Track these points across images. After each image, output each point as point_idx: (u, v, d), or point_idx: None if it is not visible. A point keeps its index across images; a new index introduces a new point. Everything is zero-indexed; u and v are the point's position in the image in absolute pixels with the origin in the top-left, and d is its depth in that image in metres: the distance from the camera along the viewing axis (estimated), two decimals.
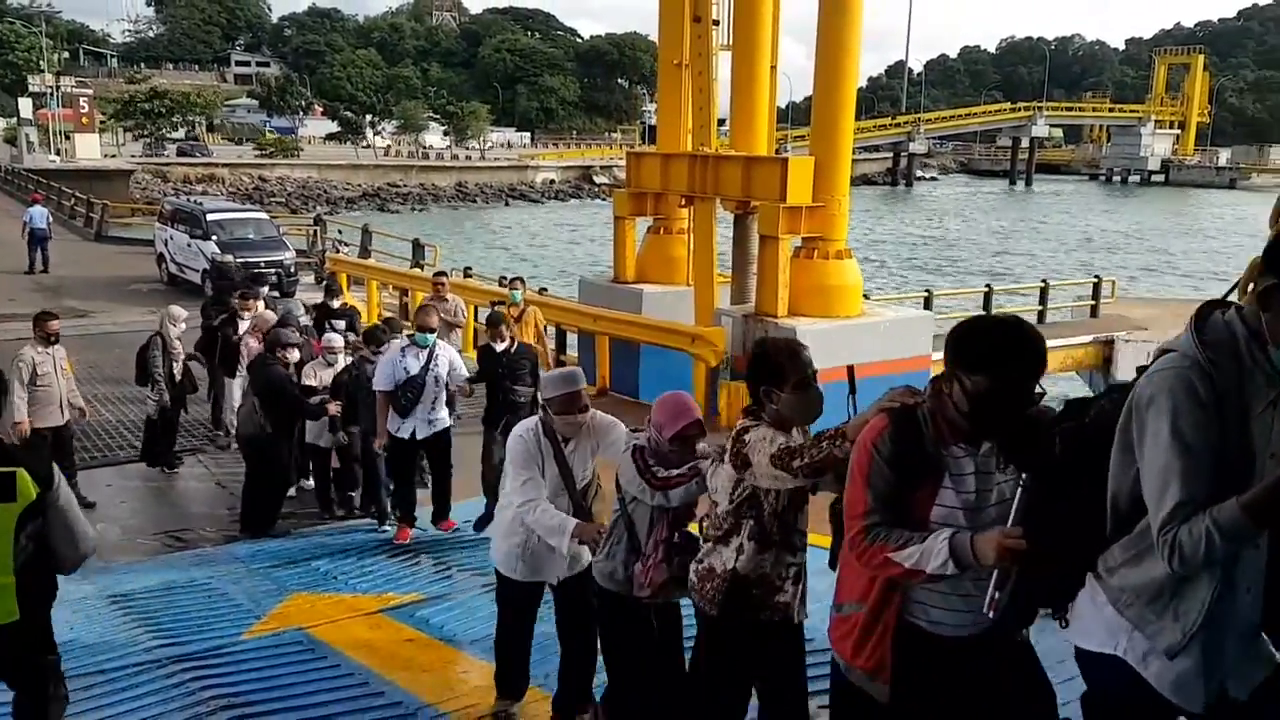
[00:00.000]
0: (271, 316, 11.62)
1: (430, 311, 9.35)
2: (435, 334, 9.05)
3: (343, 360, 9.93)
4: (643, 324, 14.54)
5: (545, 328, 13.71)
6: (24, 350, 9.83)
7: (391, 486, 9.30)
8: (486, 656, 6.35)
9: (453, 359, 9.09)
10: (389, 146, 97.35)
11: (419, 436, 8.85)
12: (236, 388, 11.62)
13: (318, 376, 9.87)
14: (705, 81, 14.65)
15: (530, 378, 9.21)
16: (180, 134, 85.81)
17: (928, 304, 20.40)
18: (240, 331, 11.77)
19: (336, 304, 13.05)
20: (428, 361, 8.82)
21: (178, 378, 11.27)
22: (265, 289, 15.07)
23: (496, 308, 13.09)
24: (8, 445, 4.22)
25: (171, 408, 11.25)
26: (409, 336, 9.15)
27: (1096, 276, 24.45)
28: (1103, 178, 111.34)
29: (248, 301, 12.22)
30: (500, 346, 9.34)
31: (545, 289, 20.57)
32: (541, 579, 5.26)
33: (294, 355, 9.60)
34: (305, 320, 12.31)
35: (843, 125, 13.70)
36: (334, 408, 9.41)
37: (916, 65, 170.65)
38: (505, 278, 18.71)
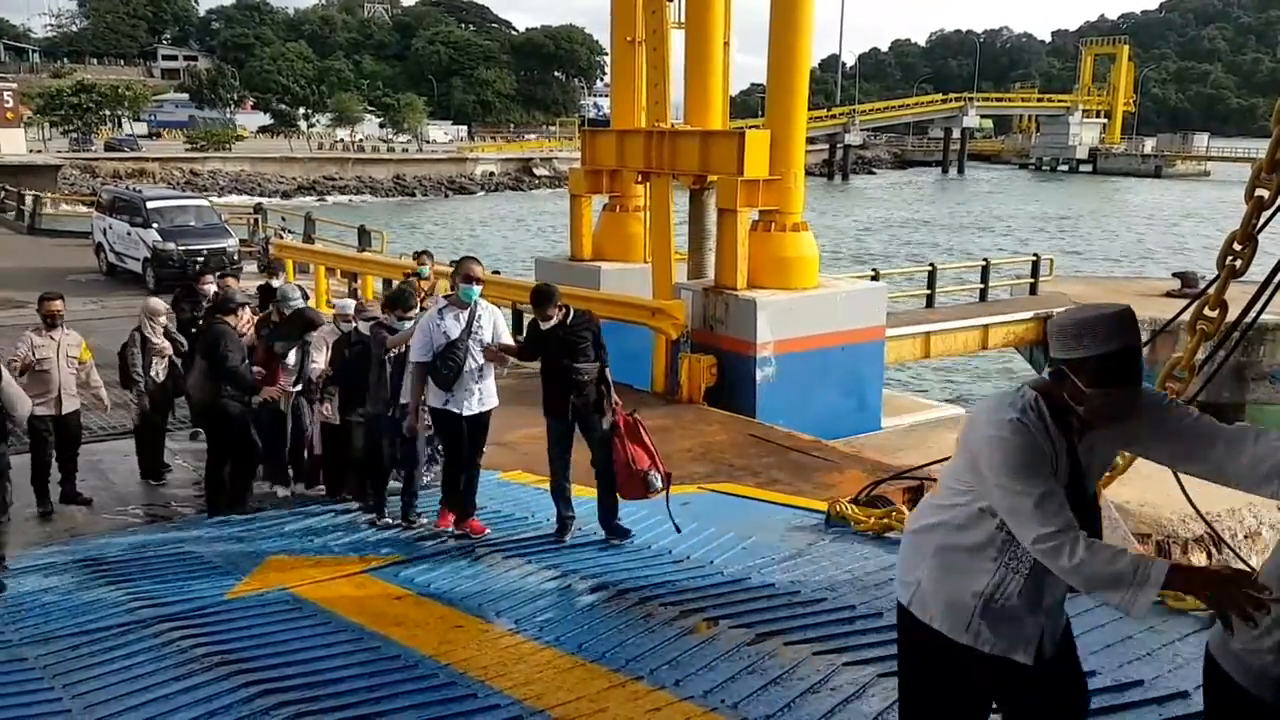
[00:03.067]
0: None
1: (474, 261, 7.87)
2: (481, 287, 7.76)
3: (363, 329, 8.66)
4: (603, 299, 14.55)
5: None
6: (26, 333, 9.17)
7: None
8: (479, 613, 6.38)
9: (497, 320, 7.85)
10: (358, 140, 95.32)
11: (467, 412, 7.68)
12: None
13: (326, 346, 8.97)
14: (660, 57, 14.70)
15: (594, 350, 7.53)
16: (131, 130, 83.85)
17: (874, 281, 20.65)
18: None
19: (277, 283, 12.20)
20: (469, 323, 7.61)
21: (160, 378, 10.04)
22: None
23: (409, 277, 12.95)
24: None
25: (155, 412, 10.08)
26: (445, 296, 7.83)
27: (1035, 255, 24.90)
28: (1033, 167, 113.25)
29: (225, 280, 11.16)
30: (550, 323, 7.52)
31: (499, 271, 20.51)
32: (1010, 655, 3.10)
33: (244, 315, 9.13)
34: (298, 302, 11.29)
35: (797, 99, 13.82)
36: (273, 391, 8.70)
37: (849, 59, 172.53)
38: (453, 260, 18.64)
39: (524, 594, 6.63)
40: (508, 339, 7.98)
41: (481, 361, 7.65)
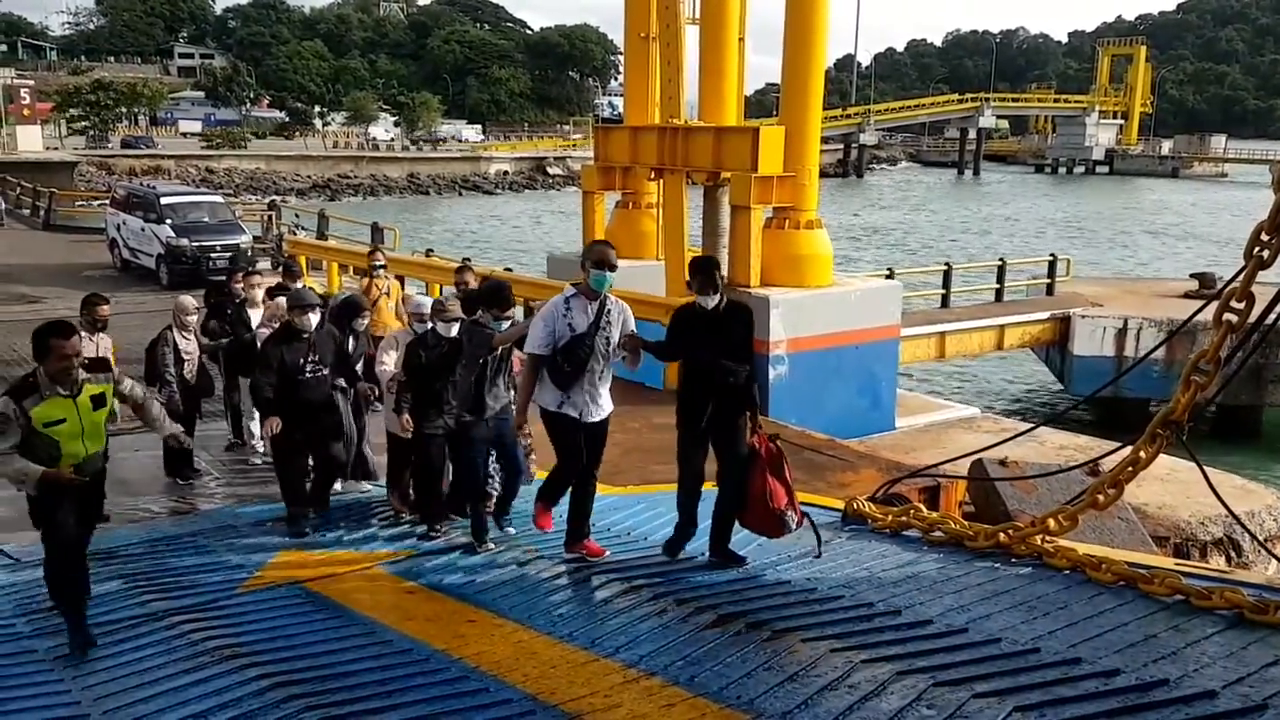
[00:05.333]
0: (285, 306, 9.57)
1: (607, 245, 6.89)
2: (614, 276, 6.73)
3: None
4: (615, 295, 14.52)
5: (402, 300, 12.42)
6: None
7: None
8: (491, 607, 6.32)
9: (627, 316, 6.82)
10: (390, 140, 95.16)
11: (587, 419, 6.75)
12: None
13: (401, 347, 8.14)
14: (674, 53, 14.64)
15: (745, 348, 6.56)
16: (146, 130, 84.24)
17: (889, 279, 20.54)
18: (254, 324, 10.16)
19: (296, 286, 11.27)
20: (598, 315, 6.64)
21: (190, 379, 9.77)
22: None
23: (373, 270, 12.67)
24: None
25: (184, 412, 9.63)
26: (573, 285, 6.84)
27: (1052, 255, 24.75)
28: (1049, 168, 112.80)
29: (251, 279, 10.70)
30: (710, 302, 6.48)
31: (511, 269, 20.48)
32: None
33: (312, 319, 7.97)
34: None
35: (812, 95, 13.77)
36: (272, 425, 7.67)
37: (865, 58, 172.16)
38: (467, 259, 18.66)
39: (537, 589, 6.58)
40: (634, 328, 6.91)
41: (604, 363, 6.69)
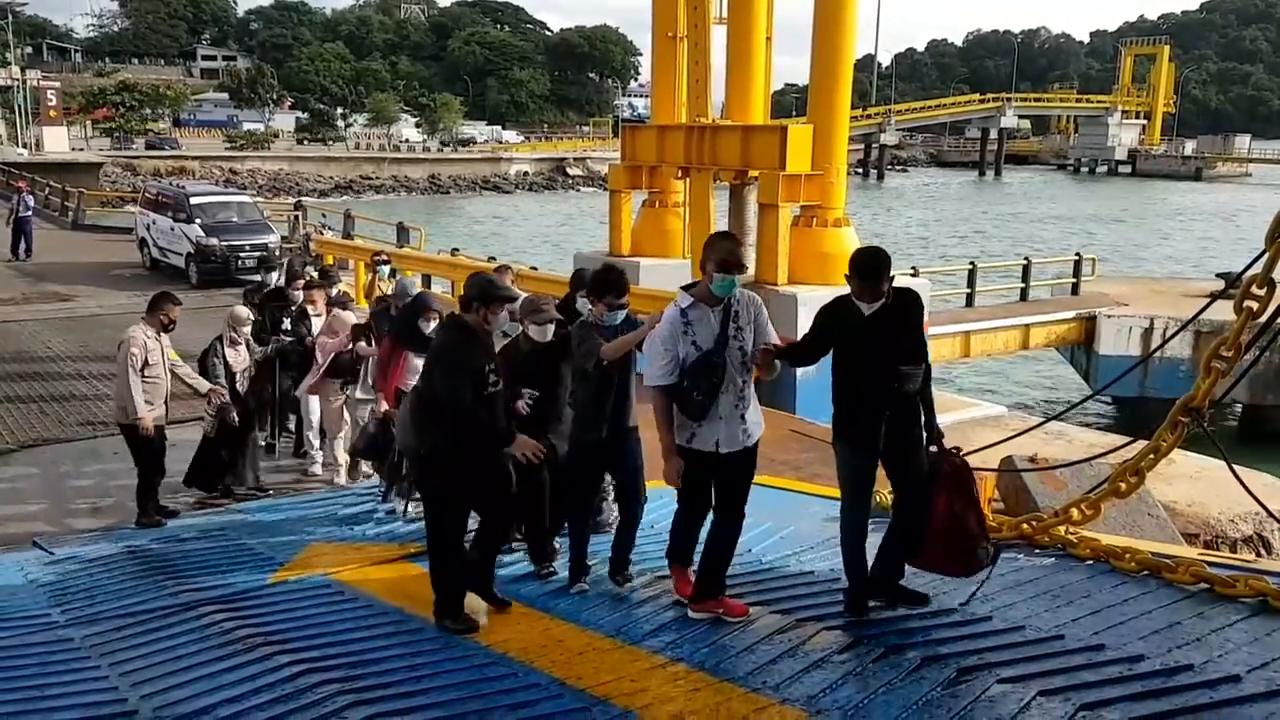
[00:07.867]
0: (351, 318, 9.79)
1: (733, 241, 5.85)
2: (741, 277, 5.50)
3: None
4: (641, 294, 14.56)
5: None
6: (133, 332, 8.46)
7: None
8: (518, 597, 6.36)
9: (758, 312, 5.54)
10: (422, 141, 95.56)
11: (726, 448, 5.48)
12: (314, 400, 10.14)
13: None
14: (702, 52, 14.73)
15: (921, 346, 5.48)
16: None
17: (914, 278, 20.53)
18: (314, 331, 10.14)
19: (334, 292, 11.37)
20: (725, 323, 5.41)
21: (242, 390, 9.51)
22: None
23: (377, 262, 12.63)
24: None
25: (238, 426, 9.36)
26: (685, 289, 5.54)
27: (1077, 254, 24.68)
28: (1071, 168, 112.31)
29: (313, 292, 10.52)
30: (869, 307, 5.27)
31: (536, 268, 20.58)
32: None
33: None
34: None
35: (840, 94, 13.79)
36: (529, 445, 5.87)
37: (885, 58, 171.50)
38: (494, 258, 18.81)
39: (562, 579, 6.62)
40: (774, 335, 5.60)
41: (745, 376, 5.49)
